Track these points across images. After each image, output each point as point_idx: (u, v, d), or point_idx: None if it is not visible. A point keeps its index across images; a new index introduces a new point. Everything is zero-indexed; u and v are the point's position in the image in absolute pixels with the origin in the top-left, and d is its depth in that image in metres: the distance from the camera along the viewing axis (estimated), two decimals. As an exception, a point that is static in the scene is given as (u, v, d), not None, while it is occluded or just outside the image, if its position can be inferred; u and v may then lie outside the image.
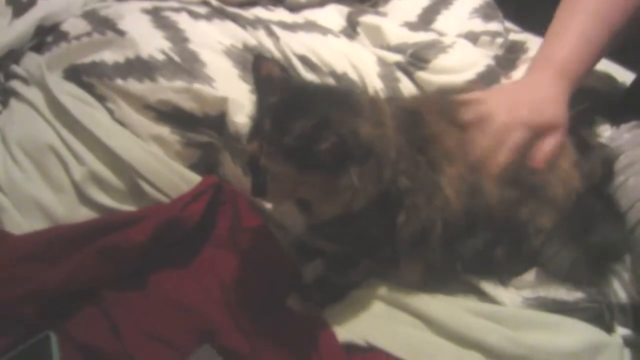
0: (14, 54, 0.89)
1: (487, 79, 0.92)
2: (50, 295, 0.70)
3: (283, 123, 0.58)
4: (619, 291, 0.71)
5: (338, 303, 0.74)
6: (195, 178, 0.81)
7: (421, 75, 0.91)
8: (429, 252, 0.70)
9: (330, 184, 0.59)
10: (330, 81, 0.87)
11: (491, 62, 0.95)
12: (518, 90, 0.75)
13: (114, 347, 0.67)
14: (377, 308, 0.73)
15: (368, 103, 0.65)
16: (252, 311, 0.70)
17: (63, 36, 0.88)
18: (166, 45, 0.84)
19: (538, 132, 0.70)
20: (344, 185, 0.59)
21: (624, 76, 1.00)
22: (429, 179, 0.67)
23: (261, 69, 0.66)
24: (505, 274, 0.74)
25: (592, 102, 0.91)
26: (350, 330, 0.70)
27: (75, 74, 0.84)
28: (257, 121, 0.62)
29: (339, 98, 0.64)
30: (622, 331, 0.69)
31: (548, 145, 0.70)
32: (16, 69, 0.87)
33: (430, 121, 0.70)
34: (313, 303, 0.73)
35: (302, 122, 0.57)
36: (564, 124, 0.71)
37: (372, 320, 0.71)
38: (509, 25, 1.11)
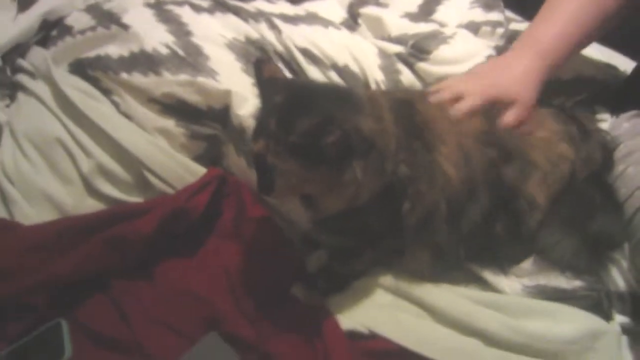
0: (20, 48, 0.90)
1: (488, 69, 0.92)
2: (60, 284, 0.71)
3: (288, 122, 0.59)
4: (618, 279, 0.72)
5: (341, 292, 0.76)
6: (200, 170, 0.82)
7: (422, 66, 0.92)
8: (436, 234, 0.72)
9: (335, 179, 0.61)
10: (332, 74, 0.87)
11: (492, 52, 0.95)
12: (489, 68, 0.77)
13: (123, 335, 0.68)
14: (380, 297, 0.74)
15: (368, 99, 0.66)
16: (257, 299, 0.71)
17: (68, 30, 0.90)
18: (170, 39, 0.85)
19: (493, 104, 0.70)
20: (348, 179, 0.61)
21: (625, 65, 1.00)
22: (427, 160, 0.69)
23: (263, 72, 0.67)
24: (505, 259, 0.75)
25: (591, 91, 0.92)
26: (353, 318, 0.71)
27: (81, 68, 0.86)
28: (262, 120, 0.63)
29: (341, 96, 0.65)
30: (620, 319, 0.70)
31: (507, 117, 0.69)
32: (22, 63, 0.89)
33: (420, 109, 0.71)
34: (317, 292, 0.75)
35: (307, 120, 0.58)
36: (527, 101, 0.71)
37: (374, 309, 0.73)
38: (509, 14, 1.10)
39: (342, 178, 0.61)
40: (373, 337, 0.69)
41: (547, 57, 0.73)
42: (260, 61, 0.69)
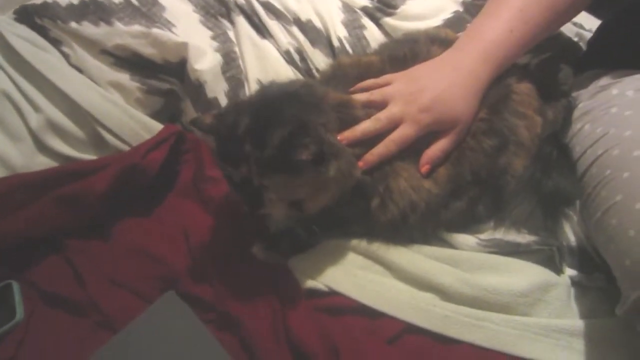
0: (-40, -6, 0.84)
1: (454, 25, 0.91)
2: (11, 244, 0.70)
3: (260, 138, 0.59)
4: (569, 234, 0.74)
5: (303, 253, 0.75)
6: (157, 126, 0.80)
7: (388, 21, 0.90)
8: (412, 231, 0.72)
9: (320, 178, 0.61)
10: (295, 29, 0.84)
11: (459, 8, 0.94)
12: (430, 75, 0.69)
13: (78, 295, 0.67)
14: (341, 256, 0.74)
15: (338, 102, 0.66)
16: (215, 258, 0.71)
17: (12, -25, 0.84)
18: (122, -14, 0.80)
19: (431, 129, 0.67)
20: (330, 177, 0.61)
21: (590, 23, 1.00)
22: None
23: (204, 122, 0.64)
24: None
25: (556, 50, 0.91)
26: (312, 277, 0.71)
27: (27, 16, 0.81)
28: (235, 148, 0.61)
29: (303, 99, 0.64)
30: (569, 272, 0.72)
31: (436, 148, 0.67)
32: (-37, 10, 0.83)
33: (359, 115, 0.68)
34: (277, 252, 0.74)
35: (278, 132, 0.58)
36: (466, 120, 0.68)
37: (334, 267, 0.73)
38: (478, -31, 1.08)
39: (325, 176, 0.61)
40: (331, 294, 0.70)
41: (491, 60, 0.68)
42: (194, 120, 0.66)
